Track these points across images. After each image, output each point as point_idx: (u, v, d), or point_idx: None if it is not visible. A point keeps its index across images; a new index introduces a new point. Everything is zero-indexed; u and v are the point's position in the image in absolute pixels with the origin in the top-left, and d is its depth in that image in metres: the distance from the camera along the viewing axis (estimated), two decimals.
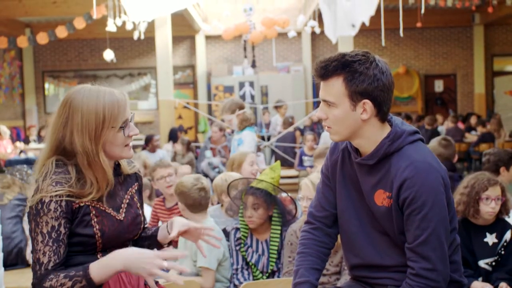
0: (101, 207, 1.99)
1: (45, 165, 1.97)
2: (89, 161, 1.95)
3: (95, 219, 1.96)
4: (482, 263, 3.08)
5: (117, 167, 2.10)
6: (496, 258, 3.08)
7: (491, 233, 3.11)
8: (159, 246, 2.20)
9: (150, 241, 2.21)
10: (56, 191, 1.90)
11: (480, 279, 3.04)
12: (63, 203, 1.90)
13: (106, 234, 1.98)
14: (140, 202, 2.17)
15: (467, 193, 3.11)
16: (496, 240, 3.10)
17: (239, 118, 5.15)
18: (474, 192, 3.08)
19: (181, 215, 3.86)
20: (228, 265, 3.32)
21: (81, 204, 1.95)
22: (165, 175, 4.12)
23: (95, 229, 1.96)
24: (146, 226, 2.25)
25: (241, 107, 5.31)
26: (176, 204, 4.00)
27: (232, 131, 9.13)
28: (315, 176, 3.09)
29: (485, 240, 3.10)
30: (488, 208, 3.06)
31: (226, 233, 3.49)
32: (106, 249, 2.01)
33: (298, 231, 3.11)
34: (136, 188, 2.17)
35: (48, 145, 2.01)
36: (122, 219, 2.04)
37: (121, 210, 2.05)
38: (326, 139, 8.89)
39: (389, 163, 2.00)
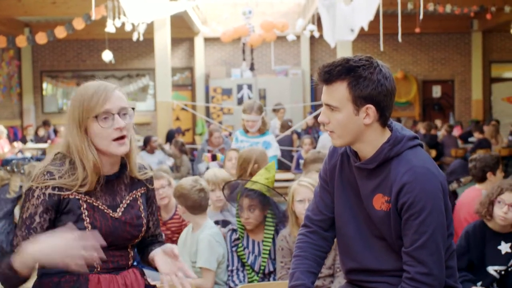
0: (94, 203, 1.98)
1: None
2: (78, 152, 1.96)
3: (86, 213, 1.95)
4: (490, 269, 3.05)
5: (123, 167, 2.08)
6: (506, 267, 3.04)
7: (506, 242, 3.07)
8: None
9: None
10: (44, 181, 1.92)
11: (479, 284, 3.02)
12: (47, 192, 1.91)
13: (98, 230, 1.93)
14: (145, 206, 2.13)
15: (488, 194, 3.11)
16: (510, 250, 3.05)
17: (263, 121, 5.06)
18: (491, 194, 3.07)
19: (178, 228, 3.86)
20: (225, 267, 3.31)
21: (71, 197, 1.94)
22: (157, 187, 3.83)
23: (85, 222, 1.94)
24: (151, 232, 2.21)
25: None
26: (171, 218, 3.97)
27: (230, 134, 9.13)
28: (313, 179, 3.08)
29: (499, 247, 3.07)
30: (500, 212, 3.01)
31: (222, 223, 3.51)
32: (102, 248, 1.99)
33: (288, 236, 3.14)
34: (142, 191, 2.13)
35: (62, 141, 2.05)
36: (117, 217, 2.01)
37: (118, 209, 2.02)
38: (324, 142, 8.88)
39: (389, 168, 2.01)
